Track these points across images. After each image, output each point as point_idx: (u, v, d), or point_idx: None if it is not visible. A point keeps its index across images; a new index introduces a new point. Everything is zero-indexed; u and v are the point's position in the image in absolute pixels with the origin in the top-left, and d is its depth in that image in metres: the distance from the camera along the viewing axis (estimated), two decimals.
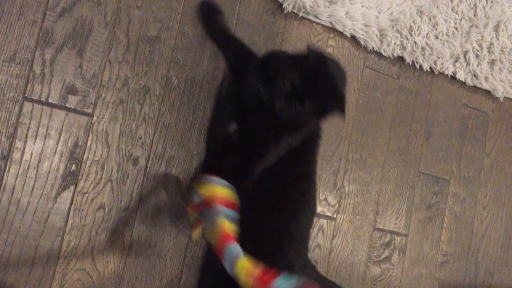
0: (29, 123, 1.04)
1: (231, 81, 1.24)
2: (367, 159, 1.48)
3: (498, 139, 1.77)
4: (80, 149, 1.09)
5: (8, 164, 1.02)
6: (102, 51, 1.12)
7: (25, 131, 1.04)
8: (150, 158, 1.16)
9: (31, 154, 1.04)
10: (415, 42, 1.53)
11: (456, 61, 1.62)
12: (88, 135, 1.10)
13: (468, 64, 1.64)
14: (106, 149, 1.12)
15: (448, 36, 1.60)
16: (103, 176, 1.11)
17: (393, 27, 1.49)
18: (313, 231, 1.37)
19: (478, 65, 1.66)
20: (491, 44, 1.68)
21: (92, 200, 1.10)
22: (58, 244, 1.07)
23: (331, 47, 1.43)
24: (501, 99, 1.75)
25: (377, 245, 1.49)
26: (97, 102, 1.11)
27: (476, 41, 1.65)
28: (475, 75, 1.67)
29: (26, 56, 1.04)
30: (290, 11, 1.34)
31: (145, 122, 1.16)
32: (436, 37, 1.57)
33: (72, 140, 1.08)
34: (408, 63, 1.55)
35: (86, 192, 1.09)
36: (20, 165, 1.03)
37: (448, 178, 1.64)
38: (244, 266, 0.87)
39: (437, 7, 1.57)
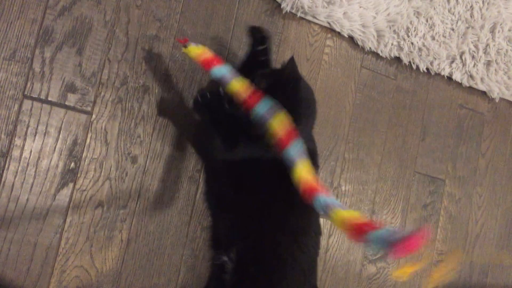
0: (29, 121, 1.05)
1: None
2: (363, 159, 1.50)
3: (493, 139, 1.78)
4: (79, 147, 1.10)
5: (7, 162, 1.03)
6: (101, 49, 1.12)
7: (24, 129, 1.05)
8: (149, 156, 1.17)
9: (30, 151, 1.05)
10: (412, 43, 1.54)
11: (452, 62, 1.64)
12: (87, 133, 1.11)
13: (464, 65, 1.65)
14: (105, 147, 1.12)
15: (444, 37, 1.61)
16: (102, 174, 1.12)
17: (390, 27, 1.50)
18: None
19: (474, 66, 1.67)
20: (487, 45, 1.69)
21: (90, 198, 1.11)
22: (57, 241, 1.07)
23: (328, 47, 1.44)
24: (497, 100, 1.76)
25: None
26: (96, 100, 1.12)
27: (472, 42, 1.66)
28: (471, 76, 1.68)
29: (26, 54, 1.05)
30: (288, 11, 1.35)
31: (144, 120, 1.17)
32: (433, 38, 1.59)
33: (71, 138, 1.09)
34: (405, 64, 1.56)
35: (84, 190, 1.10)
36: (19, 163, 1.04)
37: (443, 178, 1.66)
38: (339, 216, 0.80)
39: (434, 8, 1.58)
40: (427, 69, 1.60)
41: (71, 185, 1.09)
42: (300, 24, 1.39)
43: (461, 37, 1.64)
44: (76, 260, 1.09)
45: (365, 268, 1.48)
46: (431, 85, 1.64)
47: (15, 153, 1.04)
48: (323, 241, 1.41)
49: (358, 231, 0.77)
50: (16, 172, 1.04)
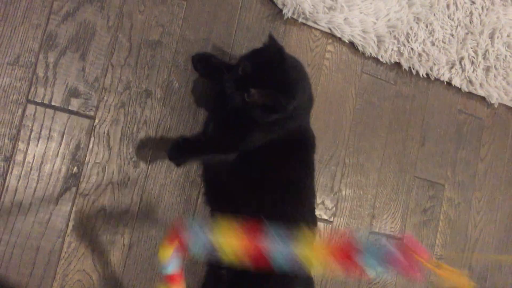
0: (32, 125, 1.06)
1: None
2: (363, 164, 1.50)
3: (492, 144, 1.79)
4: (82, 152, 1.10)
5: (10, 166, 1.03)
6: (104, 54, 1.13)
7: (28, 133, 1.05)
8: (151, 161, 1.17)
9: (34, 156, 1.06)
10: (412, 49, 1.56)
11: (452, 67, 1.65)
12: (90, 137, 1.11)
13: (463, 70, 1.66)
14: (108, 152, 1.13)
15: (444, 42, 1.62)
16: (104, 178, 1.13)
17: (390, 33, 1.51)
18: None
19: (473, 71, 1.68)
20: (486, 51, 1.70)
21: (93, 202, 1.11)
22: (59, 245, 1.08)
23: (329, 52, 1.45)
24: (496, 105, 1.78)
25: None
26: (99, 105, 1.12)
27: (471, 48, 1.67)
28: (470, 82, 1.69)
29: (29, 59, 1.05)
30: (289, 17, 1.36)
31: (146, 125, 1.17)
32: (433, 44, 1.60)
33: (74, 142, 1.10)
34: (405, 69, 1.57)
35: (87, 194, 1.11)
36: (23, 167, 1.05)
37: (443, 183, 1.66)
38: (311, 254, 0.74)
39: (434, 14, 1.59)
40: (427, 74, 1.62)
41: (73, 189, 1.09)
42: (301, 30, 1.40)
43: (461, 43, 1.65)
44: (78, 264, 1.10)
45: (364, 273, 1.49)
46: (430, 90, 1.65)
47: (19, 157, 1.04)
48: None
49: (343, 257, 0.71)
50: (19, 177, 1.04)
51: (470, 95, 1.73)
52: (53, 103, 1.07)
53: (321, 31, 1.43)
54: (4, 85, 1.03)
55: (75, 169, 1.10)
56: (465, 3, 1.66)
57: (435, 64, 1.61)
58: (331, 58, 1.45)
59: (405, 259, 0.68)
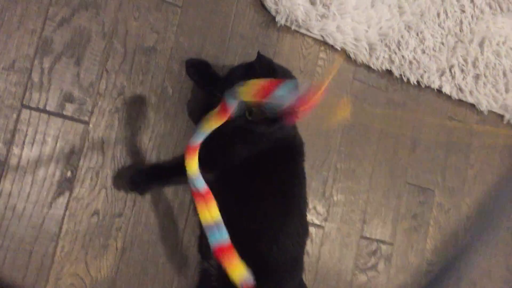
0: (27, 130, 1.06)
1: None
2: (355, 169, 1.52)
3: (481, 151, 1.82)
4: (76, 156, 1.11)
5: (5, 170, 1.04)
6: (99, 60, 1.14)
7: (22, 138, 1.06)
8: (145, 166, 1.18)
9: (28, 160, 1.06)
10: (403, 56, 1.58)
11: (442, 75, 1.67)
12: (84, 142, 1.12)
13: (453, 78, 1.69)
14: (102, 157, 1.14)
15: (434, 50, 1.65)
16: (98, 182, 1.13)
17: (382, 41, 1.53)
18: None
19: (463, 79, 1.71)
20: (476, 59, 1.73)
21: (86, 206, 1.12)
22: (52, 249, 1.09)
23: (321, 59, 1.47)
24: (485, 113, 1.80)
25: (363, 253, 1.52)
26: (93, 110, 1.13)
27: (461, 56, 1.70)
28: (460, 89, 1.72)
29: (25, 64, 1.06)
30: (282, 24, 1.38)
31: (140, 130, 1.19)
32: (423, 52, 1.62)
33: (68, 147, 1.11)
34: (396, 76, 1.60)
35: (81, 198, 1.12)
36: (17, 171, 1.05)
37: (433, 189, 1.69)
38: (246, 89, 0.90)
39: (425, 23, 1.62)
40: (418, 81, 1.64)
41: (67, 193, 1.10)
42: (294, 37, 1.42)
43: (451, 51, 1.68)
44: (71, 268, 1.10)
45: (356, 277, 1.51)
46: (421, 97, 1.67)
47: (13, 161, 1.05)
48: (315, 250, 1.43)
49: (264, 92, 0.88)
50: (13, 181, 1.05)
51: (460, 102, 1.75)
52: (47, 108, 1.08)
53: (314, 39, 1.45)
54: None
55: (69, 173, 1.10)
56: (455, 12, 1.69)
57: (425, 72, 1.63)
58: (324, 65, 1.47)
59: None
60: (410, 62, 1.60)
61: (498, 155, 1.86)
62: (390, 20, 1.54)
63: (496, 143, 1.85)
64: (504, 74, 1.80)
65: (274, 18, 1.37)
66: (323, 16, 1.41)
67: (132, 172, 1.16)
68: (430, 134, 1.69)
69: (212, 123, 0.95)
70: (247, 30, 1.34)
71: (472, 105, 1.78)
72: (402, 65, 1.58)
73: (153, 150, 1.19)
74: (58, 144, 1.09)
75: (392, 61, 1.56)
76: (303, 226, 1.25)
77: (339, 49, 1.48)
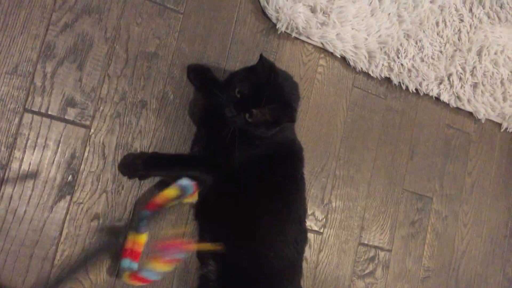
0: (29, 134, 1.07)
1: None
2: (354, 176, 1.53)
3: (479, 159, 1.83)
4: (77, 160, 1.12)
5: (6, 173, 1.05)
6: (101, 65, 1.15)
7: (24, 142, 1.06)
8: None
9: (29, 164, 1.07)
10: (402, 64, 1.59)
11: (440, 83, 1.69)
12: (85, 146, 1.13)
13: (452, 86, 1.71)
14: (103, 161, 1.15)
15: (433, 59, 1.66)
16: (99, 187, 1.14)
17: (381, 49, 1.55)
18: None
19: (461, 87, 1.72)
20: (474, 67, 1.75)
21: (87, 211, 1.13)
22: (53, 253, 1.09)
23: (321, 66, 1.48)
24: (483, 121, 1.82)
25: (361, 259, 1.53)
26: (95, 115, 1.14)
27: (459, 65, 1.71)
28: (458, 97, 1.73)
29: (28, 69, 1.07)
30: (283, 31, 1.39)
31: (141, 135, 1.19)
32: (422, 60, 1.64)
33: (70, 151, 1.11)
34: (395, 84, 1.61)
35: (81, 203, 1.12)
36: (18, 175, 1.06)
37: (431, 196, 1.70)
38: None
39: (423, 31, 1.63)
40: (416, 89, 1.65)
41: (68, 197, 1.11)
42: (294, 44, 1.43)
43: (449, 60, 1.70)
44: (71, 272, 1.11)
45: (354, 284, 1.51)
46: (419, 105, 1.68)
47: (14, 165, 1.05)
48: (313, 256, 1.43)
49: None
50: (15, 184, 1.05)
51: (458, 110, 1.77)
52: (49, 112, 1.09)
53: (314, 46, 1.47)
54: (2, 94, 1.04)
55: (70, 177, 1.11)
56: (453, 21, 1.70)
57: (424, 80, 1.64)
58: (323, 72, 1.48)
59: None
60: (409, 70, 1.61)
61: (495, 163, 1.87)
62: (389, 28, 1.55)
63: (493, 151, 1.87)
64: (502, 83, 1.81)
65: (275, 25, 1.38)
66: (323, 23, 1.43)
67: (131, 156, 1.17)
68: (428, 141, 1.70)
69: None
70: (248, 37, 1.36)
71: (470, 113, 1.80)
72: (401, 73, 1.59)
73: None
74: (59, 148, 1.10)
75: (391, 69, 1.58)
76: (302, 233, 1.25)
77: (339, 56, 1.49)
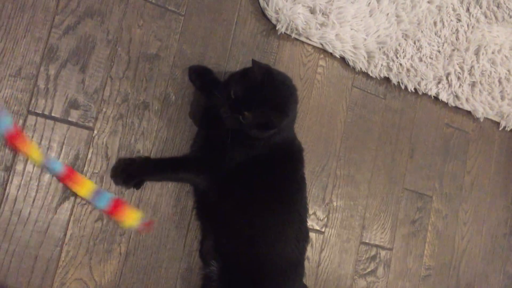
0: (32, 136, 1.08)
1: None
2: (354, 175, 1.54)
3: (478, 157, 1.85)
4: (81, 162, 1.13)
5: (11, 175, 1.05)
6: (104, 67, 1.16)
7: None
8: None
9: (34, 166, 1.08)
10: (401, 64, 1.61)
11: (439, 82, 1.70)
12: (89, 148, 1.14)
13: (450, 85, 1.72)
14: (106, 162, 1.15)
15: (431, 58, 1.68)
16: (102, 188, 1.15)
17: (380, 49, 1.56)
18: None
19: (459, 86, 1.74)
20: (472, 67, 1.76)
21: (91, 212, 1.13)
22: (57, 254, 1.09)
23: (321, 67, 1.49)
24: (481, 120, 1.83)
25: (363, 258, 1.54)
26: (98, 117, 1.15)
27: (457, 64, 1.73)
28: (456, 96, 1.74)
29: (31, 71, 1.08)
30: (283, 32, 1.40)
31: (144, 136, 1.20)
32: (420, 60, 1.65)
33: (73, 152, 1.12)
34: (394, 84, 1.62)
35: (85, 204, 1.13)
36: (23, 177, 1.06)
37: (431, 195, 1.71)
38: None
39: (421, 31, 1.65)
40: (415, 89, 1.67)
41: (72, 199, 1.11)
42: (294, 45, 1.45)
43: (447, 59, 1.71)
44: (75, 273, 1.11)
45: (355, 283, 1.52)
46: (418, 104, 1.70)
47: (19, 167, 1.06)
48: (315, 256, 1.44)
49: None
50: (19, 186, 1.06)
51: (457, 109, 1.78)
52: (53, 114, 1.10)
53: (313, 47, 1.48)
54: (6, 96, 1.05)
55: None
56: (451, 21, 1.72)
57: (422, 79, 1.66)
58: (323, 72, 1.50)
59: None
60: (408, 70, 1.62)
61: (494, 162, 1.88)
62: (388, 28, 1.57)
63: (492, 149, 1.88)
64: (500, 82, 1.83)
65: (274, 26, 1.39)
66: (322, 24, 1.44)
67: (122, 164, 1.17)
68: (427, 140, 1.71)
69: None
70: (248, 38, 1.37)
71: (469, 112, 1.81)
72: (399, 72, 1.61)
73: (156, 155, 1.21)
74: (63, 150, 1.11)
75: (390, 69, 1.59)
76: (303, 232, 1.26)
77: (338, 56, 1.50)
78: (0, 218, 1.04)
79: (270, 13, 1.37)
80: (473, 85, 1.78)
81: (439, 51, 1.70)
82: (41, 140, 1.08)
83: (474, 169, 1.83)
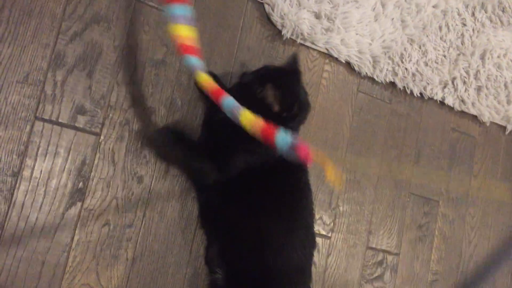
0: (40, 142, 1.08)
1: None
2: (360, 180, 1.54)
3: (484, 162, 1.84)
4: (88, 167, 1.13)
5: (18, 181, 1.06)
6: (110, 73, 1.16)
7: (35, 149, 1.08)
8: (154, 176, 1.20)
9: (41, 171, 1.08)
10: (406, 69, 1.61)
11: (444, 87, 1.70)
12: (96, 153, 1.14)
13: (456, 90, 1.72)
14: (112, 167, 1.16)
15: (437, 63, 1.68)
16: (109, 193, 1.15)
17: (385, 54, 1.56)
18: None
19: (465, 91, 1.73)
20: (478, 71, 1.76)
21: (98, 217, 1.13)
22: (64, 259, 1.10)
23: (327, 72, 1.49)
24: (487, 124, 1.83)
25: (370, 263, 1.53)
26: (104, 122, 1.15)
27: (463, 69, 1.73)
28: (462, 101, 1.74)
29: (38, 77, 1.08)
30: (288, 37, 1.41)
31: (150, 141, 1.20)
32: (426, 64, 1.65)
33: (80, 158, 1.12)
34: (400, 88, 1.62)
35: (92, 209, 1.13)
36: (30, 182, 1.07)
37: (437, 199, 1.70)
38: (247, 117, 0.94)
39: (427, 36, 1.65)
40: (421, 93, 1.66)
41: (79, 204, 1.11)
42: (299, 50, 1.45)
43: (453, 63, 1.71)
44: (82, 278, 1.11)
45: None
46: (424, 109, 1.69)
47: (26, 173, 1.07)
48: (322, 261, 1.44)
49: (268, 135, 0.92)
50: (26, 192, 1.06)
51: (463, 113, 1.78)
52: (60, 120, 1.10)
53: (319, 52, 1.48)
54: (13, 103, 1.06)
55: (80, 184, 1.12)
56: (456, 25, 1.72)
57: (428, 84, 1.66)
58: (328, 77, 1.50)
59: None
60: (413, 75, 1.62)
61: (500, 166, 1.88)
62: (393, 33, 1.57)
63: (498, 154, 1.87)
64: (506, 86, 1.82)
65: (280, 31, 1.40)
66: (328, 29, 1.44)
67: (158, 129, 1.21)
68: (433, 145, 1.71)
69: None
70: (254, 43, 1.37)
71: (475, 117, 1.80)
72: (405, 77, 1.61)
73: (162, 161, 1.21)
74: (70, 156, 1.11)
75: (395, 73, 1.59)
76: (310, 238, 1.26)
77: (344, 61, 1.50)
78: (8, 223, 1.05)
79: (276, 18, 1.38)
80: (479, 89, 1.77)
81: (444, 56, 1.69)
82: (48, 146, 1.09)
83: (481, 173, 1.83)
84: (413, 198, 1.64)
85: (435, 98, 1.69)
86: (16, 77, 1.06)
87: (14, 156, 1.06)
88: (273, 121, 0.96)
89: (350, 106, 1.54)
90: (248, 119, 0.94)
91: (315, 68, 1.47)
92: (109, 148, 1.16)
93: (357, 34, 1.51)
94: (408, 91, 1.64)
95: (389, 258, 1.57)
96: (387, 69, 1.57)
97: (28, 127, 1.07)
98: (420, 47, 1.64)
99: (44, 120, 1.09)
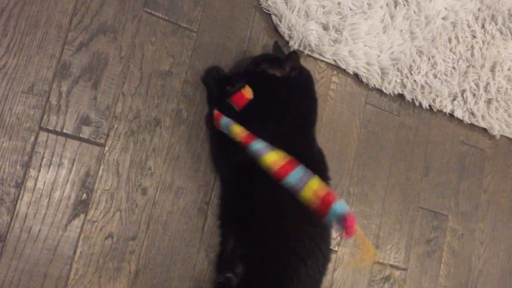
0: (44, 152, 1.07)
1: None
2: (368, 193, 1.52)
3: (494, 175, 1.81)
4: (92, 179, 1.12)
5: (21, 192, 1.05)
6: (116, 84, 1.16)
7: (39, 160, 1.07)
8: (159, 189, 1.19)
9: (44, 182, 1.07)
10: (415, 81, 1.59)
11: (454, 99, 1.68)
12: (100, 165, 1.13)
13: (465, 102, 1.69)
14: (116, 179, 1.14)
15: (446, 75, 1.66)
16: (113, 205, 1.14)
17: (394, 65, 1.54)
18: None
19: (475, 103, 1.71)
20: (488, 83, 1.73)
21: (101, 229, 1.12)
22: (67, 272, 1.08)
23: (334, 83, 1.48)
24: (498, 137, 1.80)
25: (377, 278, 1.51)
26: (109, 133, 1.14)
27: (473, 81, 1.70)
28: (472, 113, 1.72)
29: (43, 88, 1.08)
30: (296, 48, 1.39)
31: (155, 153, 1.19)
32: (435, 76, 1.63)
33: (84, 169, 1.11)
34: (408, 101, 1.60)
35: (95, 221, 1.12)
36: (33, 193, 1.06)
37: (446, 214, 1.67)
38: (313, 186, 1.01)
39: (436, 48, 1.63)
40: (430, 106, 1.64)
41: (82, 216, 1.10)
42: (307, 61, 1.44)
43: (462, 76, 1.69)
44: None
45: None
46: (433, 121, 1.67)
47: (29, 184, 1.06)
48: (328, 276, 1.41)
49: (327, 201, 0.97)
50: (30, 203, 1.05)
51: (472, 126, 1.75)
52: (65, 131, 1.09)
53: (326, 63, 1.47)
54: (18, 113, 1.05)
55: (84, 195, 1.11)
56: (466, 37, 1.70)
57: (437, 96, 1.64)
58: (336, 89, 1.48)
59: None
60: (422, 87, 1.60)
61: (511, 180, 1.85)
62: (402, 45, 1.55)
63: (509, 167, 1.85)
64: None
65: (287, 43, 1.39)
66: (335, 41, 1.43)
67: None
68: (442, 158, 1.68)
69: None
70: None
71: (484, 130, 1.78)
72: (414, 89, 1.59)
73: (167, 172, 1.20)
74: (74, 167, 1.10)
75: (404, 85, 1.57)
76: (327, 251, 1.22)
77: (352, 73, 1.49)
78: (10, 235, 1.03)
79: (283, 29, 1.37)
80: (489, 102, 1.75)
81: (454, 68, 1.67)
82: (52, 157, 1.08)
83: (491, 187, 1.80)
84: (421, 212, 1.62)
85: (444, 110, 1.67)
86: (21, 87, 1.06)
87: (18, 167, 1.05)
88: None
89: (358, 118, 1.52)
90: (314, 188, 1.00)
91: (322, 80, 1.46)
92: (114, 159, 1.15)
93: (365, 45, 1.49)
94: (417, 104, 1.62)
95: (397, 273, 1.55)
96: (395, 81, 1.55)
97: (32, 138, 1.06)
98: (429, 59, 1.62)
99: (48, 131, 1.08)
